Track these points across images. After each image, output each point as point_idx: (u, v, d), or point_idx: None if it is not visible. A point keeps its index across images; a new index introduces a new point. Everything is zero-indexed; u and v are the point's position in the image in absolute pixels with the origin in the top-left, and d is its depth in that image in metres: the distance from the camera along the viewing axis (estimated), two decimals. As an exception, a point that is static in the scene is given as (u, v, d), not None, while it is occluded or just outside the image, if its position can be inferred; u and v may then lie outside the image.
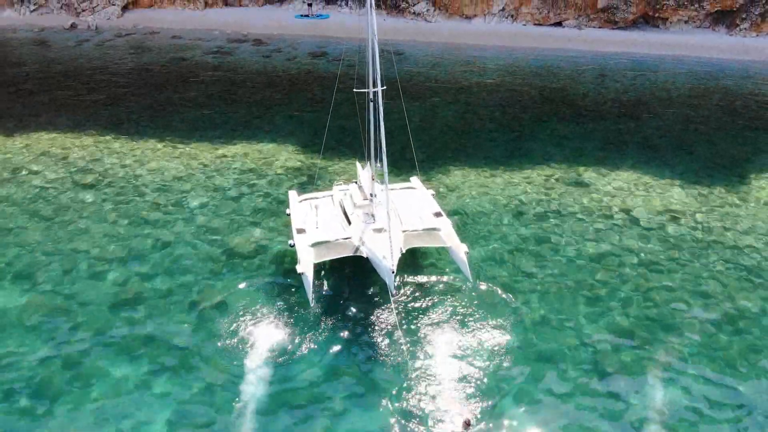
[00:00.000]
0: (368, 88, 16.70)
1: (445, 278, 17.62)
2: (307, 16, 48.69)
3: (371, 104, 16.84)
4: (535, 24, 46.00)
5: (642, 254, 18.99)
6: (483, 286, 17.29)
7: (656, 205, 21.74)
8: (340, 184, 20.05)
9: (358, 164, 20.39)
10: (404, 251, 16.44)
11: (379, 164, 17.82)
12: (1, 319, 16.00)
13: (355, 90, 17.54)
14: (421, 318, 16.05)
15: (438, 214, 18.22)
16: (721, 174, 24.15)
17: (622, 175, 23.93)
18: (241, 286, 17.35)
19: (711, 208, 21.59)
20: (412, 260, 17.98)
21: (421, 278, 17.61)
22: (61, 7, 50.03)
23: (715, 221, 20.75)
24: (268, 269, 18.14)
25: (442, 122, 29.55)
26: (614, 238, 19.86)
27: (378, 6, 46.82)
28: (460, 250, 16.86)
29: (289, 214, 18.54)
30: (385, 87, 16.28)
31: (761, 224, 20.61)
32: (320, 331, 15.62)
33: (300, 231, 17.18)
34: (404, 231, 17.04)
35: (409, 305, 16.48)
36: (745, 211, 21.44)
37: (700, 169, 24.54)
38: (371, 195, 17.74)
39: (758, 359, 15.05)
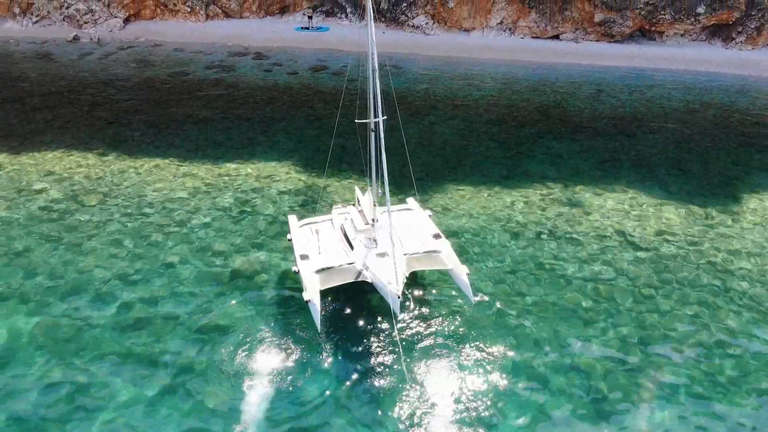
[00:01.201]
0: (369, 118, 17.13)
1: (446, 300, 18.05)
2: (307, 28, 49.21)
3: (372, 134, 17.29)
4: (533, 37, 46.54)
5: (635, 277, 19.43)
6: (483, 308, 17.74)
7: (650, 227, 22.20)
8: (339, 207, 20.51)
9: (357, 189, 20.81)
10: (407, 275, 16.89)
11: (380, 190, 18.34)
12: (10, 343, 16.45)
13: (356, 121, 18.00)
14: (424, 341, 16.48)
15: (437, 236, 18.64)
16: (714, 194, 24.61)
17: (616, 195, 24.40)
18: (246, 308, 17.77)
19: (703, 229, 22.04)
20: (414, 281, 18.42)
21: (424, 300, 18.05)
22: (63, 20, 50.54)
23: (707, 243, 21.21)
24: (271, 291, 18.57)
25: (440, 139, 30.02)
26: (609, 260, 20.31)
27: (377, 19, 47.35)
28: (462, 272, 17.27)
29: (290, 240, 18.97)
30: (385, 117, 16.72)
31: (752, 246, 21.07)
32: (323, 355, 16.04)
33: (303, 257, 17.54)
34: (406, 254, 17.46)
35: (412, 328, 16.91)
36: (736, 233, 21.90)
37: (693, 188, 25.01)
38: (373, 220, 18.16)
39: (748, 383, 15.49)
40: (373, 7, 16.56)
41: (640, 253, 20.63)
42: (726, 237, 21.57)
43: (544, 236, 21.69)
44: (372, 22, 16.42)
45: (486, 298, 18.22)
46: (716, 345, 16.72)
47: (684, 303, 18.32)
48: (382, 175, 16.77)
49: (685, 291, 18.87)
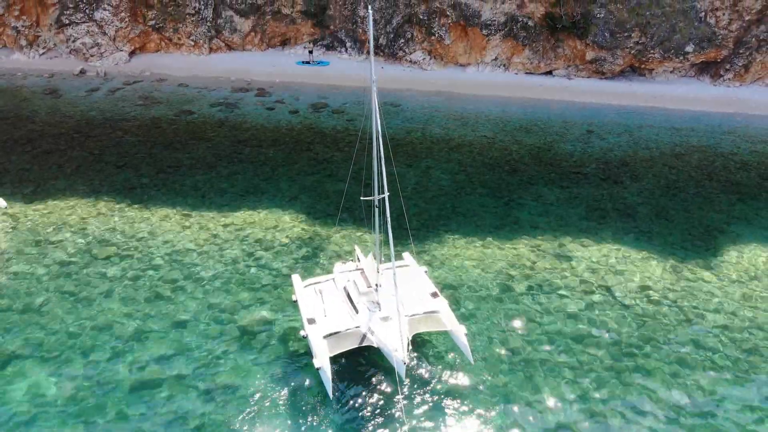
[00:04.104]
0: (374, 195, 18.38)
1: (447, 359, 19.29)
2: (308, 62, 50.62)
3: (377, 210, 18.60)
4: (526, 73, 48.00)
5: (618, 335, 20.71)
6: (479, 368, 18.96)
7: (633, 281, 23.50)
8: (340, 265, 21.75)
9: (357, 248, 22.08)
10: (410, 338, 18.13)
11: (383, 258, 19.69)
12: (31, 402, 17.65)
13: (362, 198, 19.35)
14: (428, 402, 17.74)
15: (434, 294, 19.85)
16: (696, 246, 25.93)
17: (602, 247, 25.70)
18: (253, 368, 18.99)
19: (685, 285, 23.33)
20: (415, 339, 19.61)
21: (425, 359, 19.27)
22: (70, 53, 51.87)
23: (687, 300, 22.51)
24: (277, 350, 19.77)
25: (436, 185, 31.33)
26: (593, 317, 21.59)
27: (376, 53, 48.80)
28: (460, 333, 18.50)
29: (295, 301, 20.21)
30: (389, 194, 17.96)
31: (730, 303, 22.37)
32: (328, 417, 17.26)
33: (310, 321, 18.70)
34: (407, 316, 18.65)
35: (415, 390, 18.17)
36: (715, 288, 23.20)
37: (676, 240, 26.33)
38: (376, 285, 19.35)
39: (718, 445, 16.77)
40: (375, 91, 17.77)
41: (623, 311, 21.92)
42: (705, 293, 22.86)
43: (533, 291, 22.97)
44: (375, 103, 17.62)
45: (481, 357, 19.47)
46: (691, 405, 17.98)
47: (662, 363, 19.58)
48: (387, 242, 18.04)
49: (665, 350, 20.14)
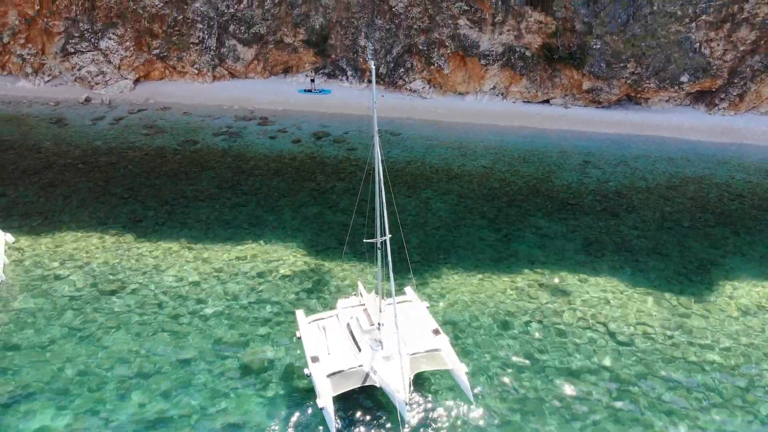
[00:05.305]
0: (377, 237, 18.92)
1: (448, 399, 19.68)
2: (309, 90, 51.45)
3: (379, 252, 19.15)
4: (524, 101, 48.80)
5: (615, 371, 21.14)
6: (479, 407, 19.36)
7: (630, 317, 23.95)
8: (343, 300, 22.24)
9: (360, 283, 22.57)
10: (412, 378, 18.54)
11: (385, 294, 20.19)
12: (41, 442, 18.08)
13: (365, 240, 19.94)
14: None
15: (436, 332, 20.30)
16: (691, 280, 26.41)
17: (599, 282, 26.19)
18: (257, 406, 19.40)
19: (680, 321, 23.76)
20: (416, 377, 19.99)
21: (427, 398, 19.66)
22: (75, 80, 52.70)
23: (682, 335, 22.96)
24: (281, 388, 20.17)
25: (435, 217, 31.89)
26: (590, 352, 22.03)
27: (377, 81, 49.61)
28: (461, 372, 18.96)
29: (299, 338, 20.67)
30: (391, 235, 18.50)
31: (724, 339, 22.81)
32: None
33: (314, 359, 19.16)
34: (409, 354, 19.06)
35: (416, 430, 18.53)
36: (710, 324, 23.65)
37: (671, 274, 26.81)
38: (379, 324, 19.81)
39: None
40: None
41: (619, 347, 22.36)
42: (699, 329, 23.31)
43: (532, 327, 23.41)
44: (379, 157, 18.21)
45: (480, 396, 19.86)
46: (686, 444, 18.40)
47: (657, 399, 20.00)
48: (389, 279, 18.59)
49: (661, 385, 20.55)
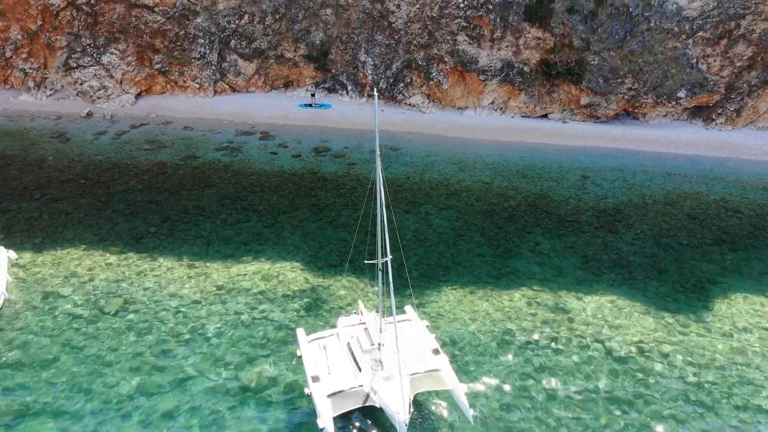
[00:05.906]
0: (378, 258, 19.14)
1: (447, 419, 19.87)
2: (310, 105, 51.81)
3: (380, 273, 19.38)
4: (522, 116, 49.17)
5: (612, 391, 21.31)
6: (478, 427, 19.51)
7: (627, 335, 24.14)
8: (344, 318, 22.42)
9: (360, 302, 22.77)
10: (411, 398, 18.69)
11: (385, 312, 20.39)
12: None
13: (366, 261, 20.19)
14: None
15: (436, 351, 20.46)
16: (688, 298, 26.63)
17: (597, 299, 26.40)
18: (257, 425, 19.54)
19: (677, 339, 23.97)
20: (417, 396, 20.16)
21: (426, 419, 19.83)
22: (77, 94, 53.06)
23: (679, 354, 23.15)
24: (281, 407, 20.33)
25: (435, 233, 32.12)
26: (589, 372, 22.20)
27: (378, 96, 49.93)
28: (461, 392, 19.12)
29: (299, 356, 20.84)
30: (391, 257, 18.73)
31: (720, 357, 22.99)
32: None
33: (315, 379, 19.34)
34: (409, 374, 19.21)
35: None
36: (707, 342, 23.84)
37: (668, 292, 27.02)
38: (379, 344, 20.00)
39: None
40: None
41: (617, 365, 22.54)
42: (696, 348, 23.50)
43: (530, 345, 23.59)
44: (381, 182, 18.45)
45: (480, 415, 20.02)
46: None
47: (654, 419, 20.16)
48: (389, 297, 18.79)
49: (657, 405, 20.72)
